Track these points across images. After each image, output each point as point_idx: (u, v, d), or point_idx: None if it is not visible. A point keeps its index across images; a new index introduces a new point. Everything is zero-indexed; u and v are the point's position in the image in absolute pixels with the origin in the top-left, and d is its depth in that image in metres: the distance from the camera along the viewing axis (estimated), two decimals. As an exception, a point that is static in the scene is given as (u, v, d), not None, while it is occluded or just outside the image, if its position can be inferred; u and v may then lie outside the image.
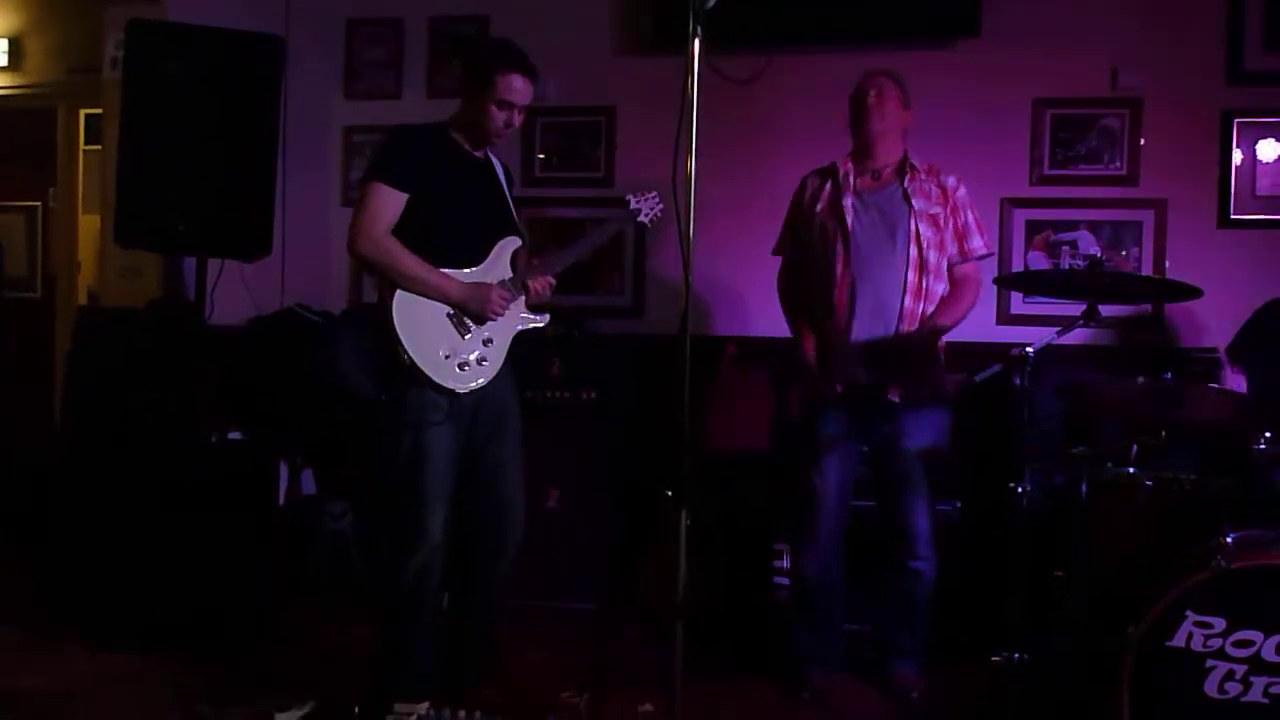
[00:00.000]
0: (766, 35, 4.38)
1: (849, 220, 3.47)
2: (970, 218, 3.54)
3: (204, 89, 3.90)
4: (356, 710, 3.08)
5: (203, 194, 3.88)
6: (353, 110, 5.18)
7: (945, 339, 3.50)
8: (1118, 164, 4.43)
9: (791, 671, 3.58)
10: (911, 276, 3.43)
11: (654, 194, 3.47)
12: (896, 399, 3.41)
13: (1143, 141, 4.40)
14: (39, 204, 6.58)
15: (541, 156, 4.97)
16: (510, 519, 3.30)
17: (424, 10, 5.08)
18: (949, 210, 3.50)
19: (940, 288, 3.49)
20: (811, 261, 3.56)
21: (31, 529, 4.43)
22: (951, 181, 3.54)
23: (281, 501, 4.38)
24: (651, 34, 4.71)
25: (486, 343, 3.22)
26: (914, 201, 3.46)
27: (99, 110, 5.09)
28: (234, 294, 4.43)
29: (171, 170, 3.86)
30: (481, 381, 3.19)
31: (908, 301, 3.43)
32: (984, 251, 3.56)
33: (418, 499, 3.11)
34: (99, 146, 5.18)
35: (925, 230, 3.45)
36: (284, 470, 4.39)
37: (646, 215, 3.47)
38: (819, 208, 3.56)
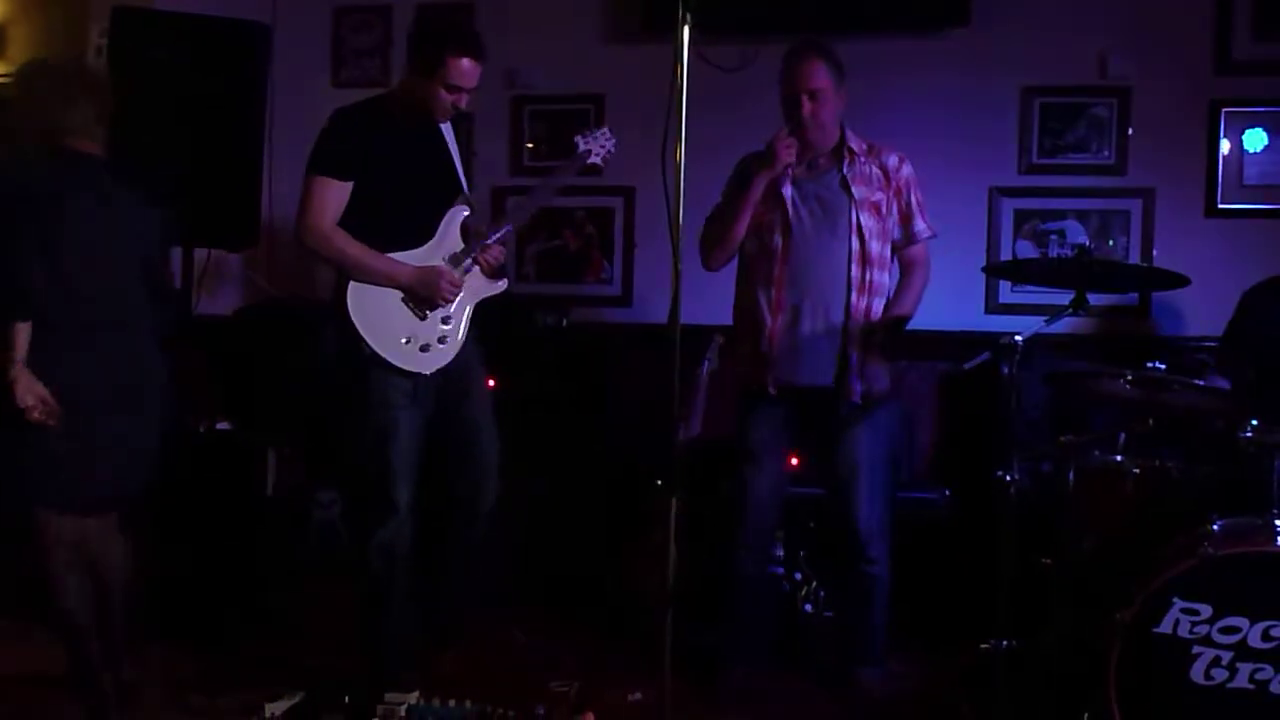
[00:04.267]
0: (755, 24, 4.39)
1: (789, 213, 3.34)
2: (914, 199, 3.39)
3: (190, 77, 3.89)
4: (347, 699, 3.09)
5: (189, 184, 3.86)
6: (340, 98, 5.09)
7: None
8: (1106, 153, 4.43)
9: (706, 670, 3.44)
10: (855, 271, 3.31)
11: (604, 130, 3.40)
12: (858, 399, 3.30)
13: (1131, 131, 4.40)
14: (24, 193, 6.55)
15: (530, 145, 4.96)
16: (486, 478, 3.34)
17: (411, -3, 5.05)
18: (892, 193, 3.36)
19: (885, 279, 3.37)
20: (748, 254, 3.46)
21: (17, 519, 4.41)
22: (893, 161, 3.38)
23: (270, 491, 4.38)
24: (640, 22, 4.69)
25: (445, 320, 3.24)
26: (854, 190, 3.33)
27: (84, 98, 5.05)
28: (221, 283, 4.42)
29: (157, 159, 3.84)
30: (443, 361, 3.23)
31: (853, 297, 3.31)
32: (929, 234, 3.42)
33: (385, 474, 3.17)
34: (84, 135, 5.14)
35: (867, 220, 3.32)
36: (273, 460, 4.38)
37: (598, 155, 3.39)
38: (758, 190, 3.39)
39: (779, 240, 3.36)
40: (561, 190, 4.73)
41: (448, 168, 3.33)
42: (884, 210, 3.36)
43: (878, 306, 3.36)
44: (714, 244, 3.49)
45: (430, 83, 3.13)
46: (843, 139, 3.39)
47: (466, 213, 3.33)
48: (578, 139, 3.41)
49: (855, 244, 3.31)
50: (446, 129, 3.33)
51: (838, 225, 3.33)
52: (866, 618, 3.44)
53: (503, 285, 3.37)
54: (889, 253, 3.39)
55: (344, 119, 3.22)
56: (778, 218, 3.37)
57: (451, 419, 3.29)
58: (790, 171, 3.38)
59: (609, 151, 3.41)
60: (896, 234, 3.40)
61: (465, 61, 3.11)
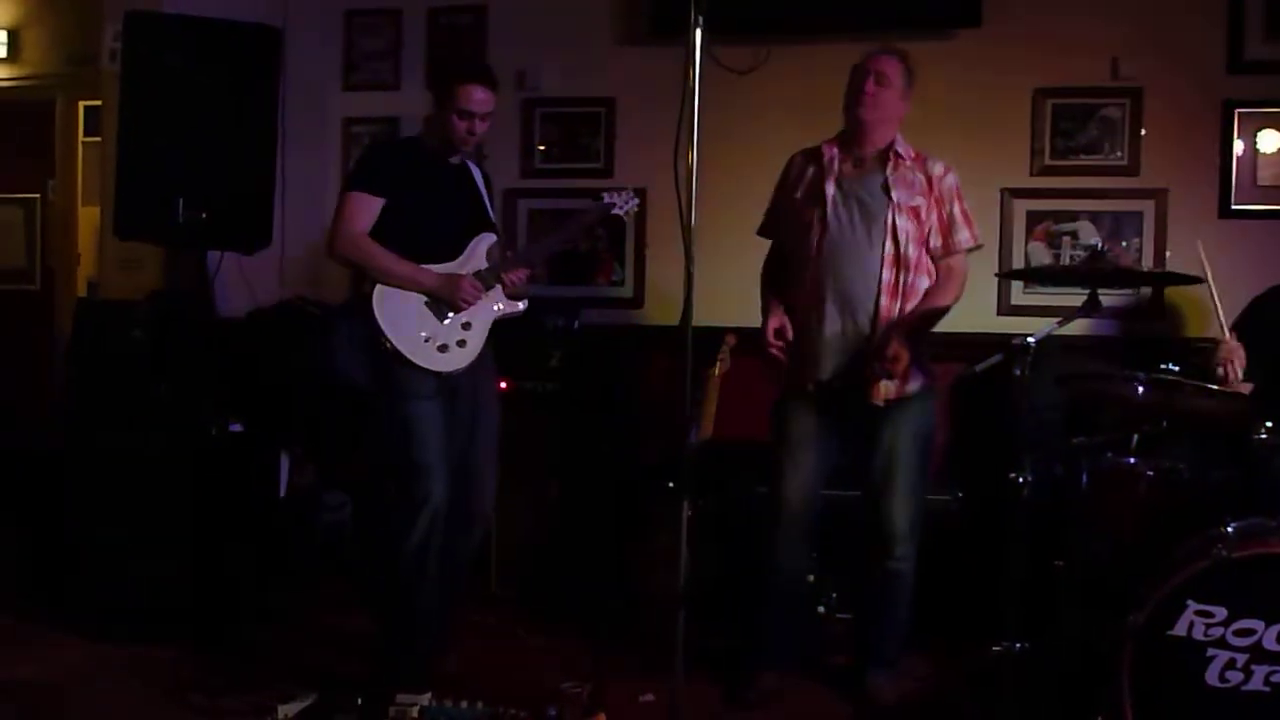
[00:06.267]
0: (766, 25, 4.39)
1: (828, 211, 3.34)
2: (957, 209, 3.38)
3: (202, 80, 3.90)
4: (359, 701, 3.10)
5: (202, 186, 3.87)
6: (352, 101, 5.16)
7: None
8: (1119, 154, 4.42)
9: (740, 672, 3.46)
10: (887, 274, 3.29)
11: (628, 191, 3.59)
12: (881, 402, 3.26)
13: (1143, 131, 4.38)
14: (38, 196, 6.57)
15: (541, 148, 4.96)
16: (478, 496, 3.45)
17: (422, 0, 5.07)
18: (933, 200, 3.35)
19: (923, 282, 3.35)
20: (790, 250, 3.48)
21: (29, 519, 4.43)
22: (938, 170, 3.38)
23: (283, 493, 4.39)
24: (651, 24, 4.69)
25: (465, 326, 3.38)
26: (894, 193, 3.31)
27: (98, 102, 5.07)
28: (233, 286, 4.43)
29: (171, 162, 3.86)
30: (461, 364, 3.35)
31: (884, 300, 3.29)
32: (970, 244, 3.39)
33: (416, 467, 3.27)
34: (98, 138, 5.16)
35: (904, 224, 3.30)
36: (285, 461, 4.39)
37: (621, 208, 3.58)
38: (799, 194, 3.44)
39: (815, 239, 3.35)
40: (572, 193, 4.82)
41: (477, 203, 3.52)
42: (924, 215, 3.34)
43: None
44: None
45: (445, 111, 3.33)
46: (893, 143, 3.38)
47: (494, 239, 3.50)
48: (605, 195, 3.60)
49: (890, 247, 3.30)
50: (478, 175, 3.54)
51: (874, 227, 3.31)
52: (886, 617, 3.44)
53: (522, 307, 3.51)
54: (927, 259, 3.36)
55: (379, 145, 3.54)
56: (817, 216, 3.37)
57: (460, 440, 3.38)
58: (837, 169, 3.39)
59: (632, 209, 3.60)
60: (936, 242, 3.37)
61: (476, 89, 3.31)
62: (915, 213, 3.33)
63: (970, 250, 3.42)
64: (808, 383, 3.38)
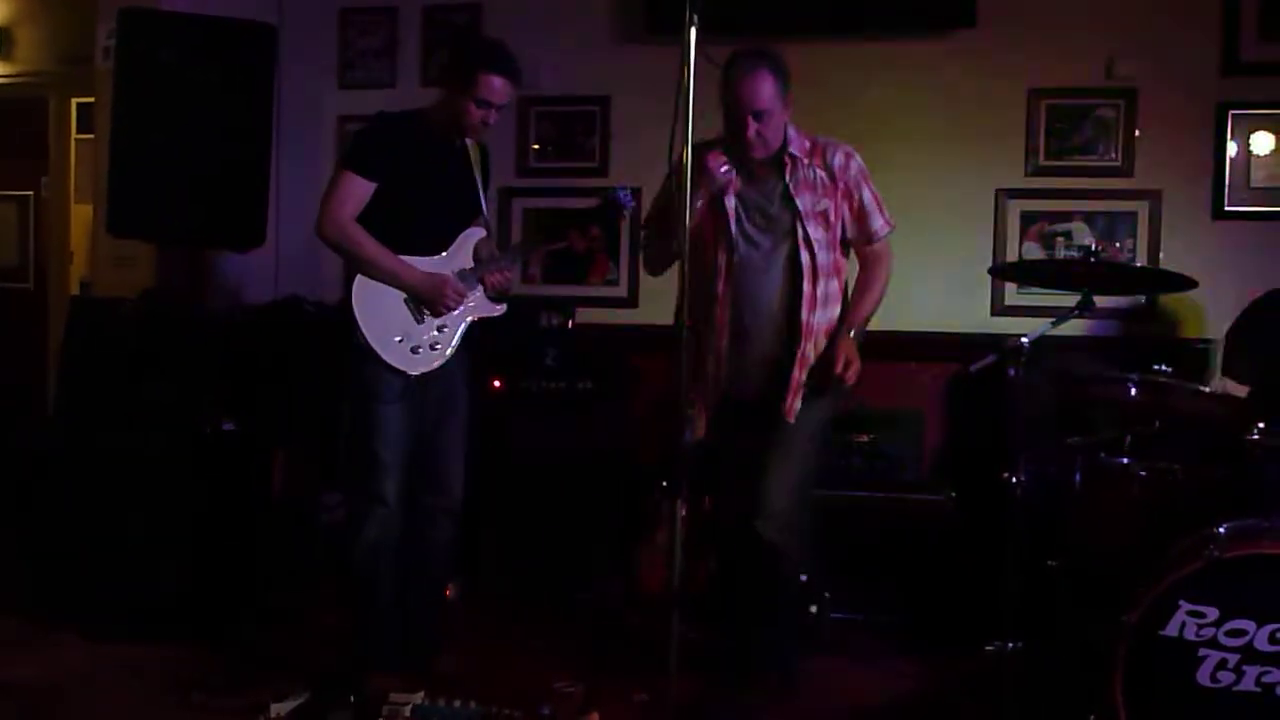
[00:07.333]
0: (760, 24, 4.38)
1: (731, 228, 3.17)
2: (867, 195, 3.19)
3: (197, 78, 3.89)
4: (352, 699, 3.09)
5: (196, 184, 3.87)
6: (347, 99, 5.15)
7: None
8: (1113, 155, 4.43)
9: (734, 672, 3.39)
10: (806, 287, 3.12)
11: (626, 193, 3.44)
12: (793, 419, 3.15)
13: (1138, 133, 4.40)
14: (31, 193, 6.55)
15: (536, 146, 4.96)
16: (445, 492, 3.41)
17: (418, -2, 5.07)
18: (840, 196, 3.16)
19: (838, 285, 3.21)
20: (694, 264, 3.07)
21: (25, 520, 4.42)
22: (839, 160, 3.16)
23: (278, 492, 4.38)
24: (646, 22, 4.69)
25: (440, 329, 3.32)
26: (798, 201, 3.13)
27: (91, 99, 5.07)
28: (227, 284, 4.43)
29: (164, 160, 3.85)
30: (431, 366, 3.30)
31: (804, 315, 3.13)
32: (886, 231, 3.22)
33: (373, 466, 3.25)
34: (91, 136, 5.15)
35: (815, 232, 3.13)
36: (280, 461, 4.39)
37: (628, 204, 3.46)
38: (700, 203, 3.12)
39: (723, 256, 3.19)
40: (566, 192, 4.82)
41: (470, 188, 3.42)
42: (832, 217, 3.17)
43: (835, 314, 3.22)
44: (654, 254, 3.39)
45: (463, 98, 3.22)
46: (784, 145, 3.17)
47: (482, 234, 3.44)
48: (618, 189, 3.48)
49: (805, 258, 3.14)
50: (475, 153, 3.44)
51: (784, 239, 3.16)
52: (771, 612, 3.34)
53: (501, 310, 3.44)
54: (837, 260, 3.23)
55: (382, 123, 3.36)
56: (719, 231, 3.20)
57: (425, 433, 3.35)
58: (735, 180, 3.19)
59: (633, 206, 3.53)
60: (852, 233, 3.22)
61: (497, 79, 3.20)
62: (823, 217, 3.16)
63: (887, 235, 3.25)
64: (722, 401, 3.25)
